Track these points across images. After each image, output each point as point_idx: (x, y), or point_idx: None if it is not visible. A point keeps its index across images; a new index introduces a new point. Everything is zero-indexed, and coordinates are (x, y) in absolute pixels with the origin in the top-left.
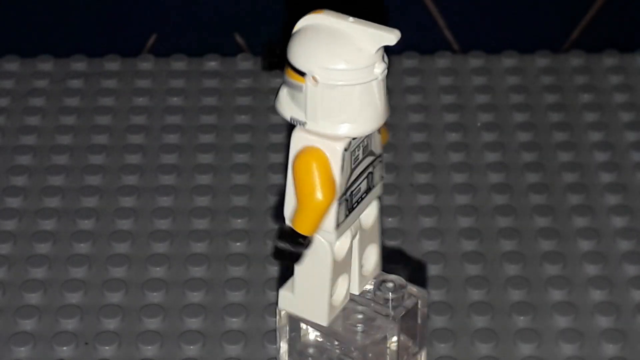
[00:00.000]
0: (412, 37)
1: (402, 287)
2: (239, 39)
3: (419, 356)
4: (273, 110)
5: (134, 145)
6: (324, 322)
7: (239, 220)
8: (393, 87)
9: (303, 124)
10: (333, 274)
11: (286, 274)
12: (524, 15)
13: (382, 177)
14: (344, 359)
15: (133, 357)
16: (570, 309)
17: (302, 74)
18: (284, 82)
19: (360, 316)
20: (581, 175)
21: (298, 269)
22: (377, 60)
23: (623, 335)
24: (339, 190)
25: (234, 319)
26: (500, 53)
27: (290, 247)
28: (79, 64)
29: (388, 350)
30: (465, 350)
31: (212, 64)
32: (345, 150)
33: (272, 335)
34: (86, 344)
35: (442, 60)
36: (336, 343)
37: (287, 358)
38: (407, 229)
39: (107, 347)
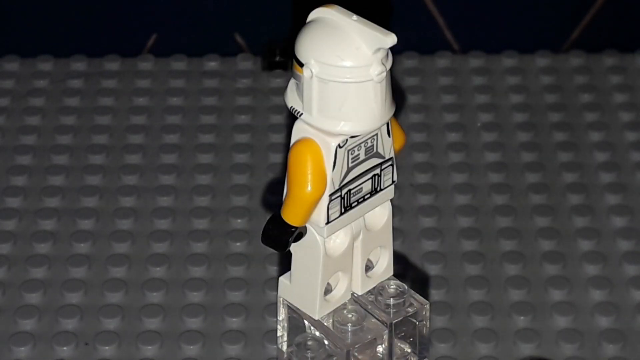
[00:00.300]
0: (412, 37)
1: (404, 293)
2: (239, 39)
3: None
4: (273, 110)
5: (134, 145)
6: (314, 315)
7: (239, 220)
8: (393, 87)
9: (300, 114)
10: (324, 269)
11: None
12: (524, 15)
13: (393, 182)
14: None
15: (133, 357)
16: (570, 309)
17: (301, 64)
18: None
19: (351, 316)
20: (581, 175)
21: (294, 259)
22: (375, 61)
23: (623, 335)
24: (330, 186)
25: (234, 319)
26: (500, 53)
27: (276, 234)
28: (79, 64)
29: (379, 355)
30: (465, 350)
31: (212, 64)
32: (340, 146)
33: (272, 335)
34: (86, 344)
35: (442, 60)
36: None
37: (285, 347)
38: (407, 229)
39: (107, 347)
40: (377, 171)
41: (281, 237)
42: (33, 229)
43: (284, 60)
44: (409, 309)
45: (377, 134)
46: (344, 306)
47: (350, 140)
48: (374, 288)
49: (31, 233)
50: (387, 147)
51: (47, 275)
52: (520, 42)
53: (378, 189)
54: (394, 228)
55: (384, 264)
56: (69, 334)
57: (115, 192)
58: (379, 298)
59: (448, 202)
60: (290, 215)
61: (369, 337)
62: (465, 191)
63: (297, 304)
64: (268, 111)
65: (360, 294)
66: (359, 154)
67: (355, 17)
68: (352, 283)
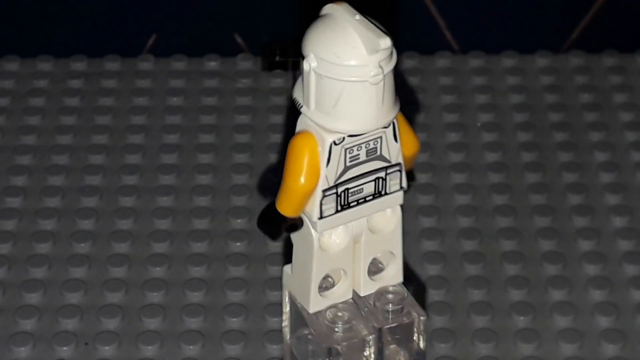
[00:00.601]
0: (412, 37)
1: (402, 300)
2: (239, 39)
3: None
4: (273, 110)
5: (134, 145)
6: (308, 309)
7: (239, 220)
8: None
9: (300, 107)
10: (317, 264)
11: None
12: (524, 15)
13: (402, 188)
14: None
15: (133, 357)
16: (570, 309)
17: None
18: None
19: (342, 314)
20: (581, 175)
21: (295, 250)
22: (371, 63)
23: (623, 335)
24: (323, 182)
25: (234, 319)
26: (500, 53)
27: (269, 221)
28: (79, 64)
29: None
30: (465, 350)
31: (212, 64)
32: (335, 143)
33: (272, 335)
34: (86, 344)
35: (442, 60)
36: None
37: (288, 337)
38: (407, 229)
39: (107, 347)
40: (381, 174)
41: (273, 225)
42: (33, 229)
43: (284, 60)
44: (404, 318)
45: (381, 137)
46: (341, 304)
47: (348, 139)
48: (377, 291)
49: (31, 233)
50: (394, 152)
51: (47, 275)
52: (520, 42)
53: (383, 192)
54: None
55: (393, 269)
56: (69, 334)
57: (115, 192)
58: (377, 303)
59: (448, 202)
60: (282, 205)
61: (356, 338)
62: (465, 191)
63: (296, 294)
64: (268, 111)
65: (362, 295)
66: (358, 155)
67: (358, 16)
68: (355, 283)
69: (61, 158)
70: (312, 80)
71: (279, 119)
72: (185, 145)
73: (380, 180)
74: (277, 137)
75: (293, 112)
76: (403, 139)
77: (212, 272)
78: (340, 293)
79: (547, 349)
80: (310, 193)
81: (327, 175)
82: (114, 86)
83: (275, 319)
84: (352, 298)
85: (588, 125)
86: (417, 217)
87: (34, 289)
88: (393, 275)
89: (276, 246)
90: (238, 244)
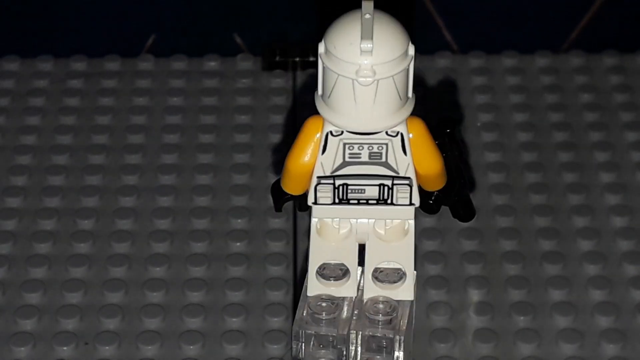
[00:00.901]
0: (411, 37)
1: (389, 314)
2: (238, 39)
3: None
4: (273, 110)
5: (134, 145)
6: (307, 290)
7: (239, 220)
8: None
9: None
10: (314, 249)
11: (284, 276)
12: (524, 15)
13: (412, 204)
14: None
15: (133, 357)
16: (570, 309)
17: None
18: None
19: (330, 307)
20: (581, 175)
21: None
22: (362, 64)
23: (623, 335)
24: (319, 168)
25: (234, 319)
26: (500, 53)
27: (273, 192)
28: (79, 64)
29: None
30: (466, 350)
31: (212, 64)
32: (332, 134)
33: (272, 335)
34: (86, 344)
35: (442, 60)
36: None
37: (303, 313)
38: None
39: (107, 347)
40: (387, 183)
41: (274, 196)
42: (33, 229)
43: (284, 60)
44: (384, 330)
45: (386, 144)
46: (338, 299)
47: (347, 135)
48: (372, 298)
49: (31, 233)
50: (402, 164)
51: (47, 275)
52: (520, 42)
53: (388, 201)
54: None
55: (403, 286)
56: (69, 334)
57: (115, 192)
58: (366, 307)
59: None
60: (282, 179)
61: (329, 333)
62: None
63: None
64: (268, 111)
65: (367, 297)
66: (360, 154)
67: (367, 15)
68: (361, 283)
69: (61, 158)
70: (320, 65)
71: (279, 119)
72: (185, 145)
73: (386, 187)
74: (277, 137)
75: (293, 112)
76: (418, 156)
77: (212, 272)
78: (343, 286)
79: (547, 349)
80: (304, 174)
81: (323, 163)
82: (114, 86)
83: (275, 319)
84: (355, 298)
85: (588, 125)
86: (417, 217)
87: (34, 289)
88: (402, 291)
89: (276, 246)
90: (238, 244)
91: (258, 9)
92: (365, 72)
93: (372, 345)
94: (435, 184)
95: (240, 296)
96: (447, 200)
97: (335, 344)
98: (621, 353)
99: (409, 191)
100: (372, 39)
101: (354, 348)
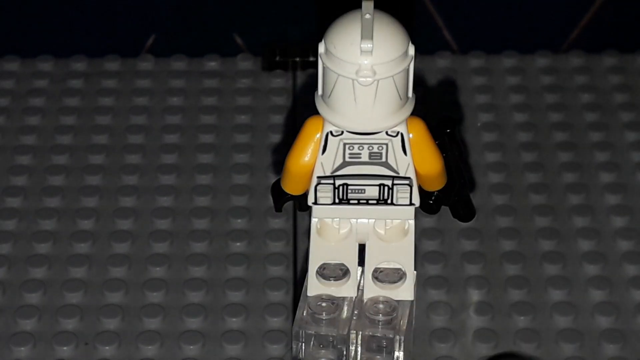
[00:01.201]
0: (411, 37)
1: (389, 314)
2: (238, 39)
3: None
4: (273, 110)
5: (134, 145)
6: (307, 290)
7: (239, 220)
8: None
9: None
10: (314, 249)
11: (284, 276)
12: (524, 15)
13: (412, 204)
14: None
15: (133, 357)
16: (570, 309)
17: None
18: None
19: (330, 307)
20: (581, 175)
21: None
22: (362, 63)
23: (623, 335)
24: (319, 168)
25: (234, 319)
26: (500, 53)
27: (273, 191)
28: (79, 64)
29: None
30: (466, 350)
31: (212, 64)
32: (332, 134)
33: (272, 335)
34: (86, 344)
35: (442, 60)
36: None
37: (303, 313)
38: None
39: (107, 347)
40: (387, 183)
41: (274, 196)
42: (33, 229)
43: (284, 60)
44: (384, 330)
45: (386, 144)
46: (338, 299)
47: (347, 135)
48: (372, 298)
49: (31, 233)
50: (402, 164)
51: (47, 275)
52: (520, 42)
53: (388, 201)
54: None
55: (403, 286)
56: (69, 334)
57: (115, 192)
58: (366, 306)
59: None
60: (282, 179)
61: (329, 333)
62: None
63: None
64: (268, 111)
65: (367, 297)
66: (360, 154)
67: (368, 15)
68: (361, 283)
69: (61, 158)
70: (320, 65)
71: (279, 119)
72: (185, 145)
73: (386, 188)
74: (277, 137)
75: (293, 112)
76: (418, 156)
77: (212, 272)
78: (343, 286)
79: (547, 349)
80: (303, 175)
81: (323, 163)
82: (114, 86)
83: (275, 319)
84: (355, 298)
85: (588, 125)
86: (417, 217)
87: (34, 289)
88: (403, 291)
89: (276, 246)
90: (238, 244)
91: (258, 9)
92: (365, 72)
93: (372, 345)
94: (435, 184)
95: (240, 296)
96: (447, 200)
97: (335, 344)
98: (621, 353)
99: (409, 191)
100: (372, 39)
101: (354, 348)
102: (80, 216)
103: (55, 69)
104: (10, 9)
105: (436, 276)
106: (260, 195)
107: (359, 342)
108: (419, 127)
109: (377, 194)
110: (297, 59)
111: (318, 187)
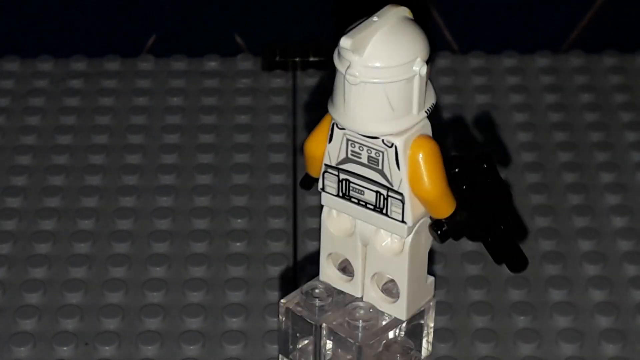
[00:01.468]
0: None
1: (369, 321)
2: (238, 39)
3: None
4: (273, 110)
5: (134, 145)
6: (320, 275)
7: (239, 220)
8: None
9: None
10: (323, 237)
11: (284, 276)
12: (524, 15)
13: (404, 221)
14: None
15: (133, 357)
16: (570, 309)
17: None
18: None
19: (324, 296)
20: (581, 175)
21: None
22: (351, 60)
23: (623, 335)
24: (326, 156)
25: (234, 319)
26: (500, 53)
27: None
28: (79, 64)
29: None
30: (465, 350)
31: (212, 64)
32: (337, 126)
33: (272, 335)
34: (86, 344)
35: (442, 60)
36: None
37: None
38: None
39: (107, 347)
40: (382, 192)
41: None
42: (33, 229)
43: (284, 60)
44: (355, 332)
45: (382, 152)
46: (336, 295)
47: (348, 130)
48: (365, 304)
49: (31, 233)
50: (396, 178)
51: (47, 275)
52: (520, 42)
53: (383, 211)
54: None
55: (397, 303)
56: (69, 334)
57: (115, 192)
58: (352, 310)
59: None
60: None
61: (305, 317)
62: None
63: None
64: (268, 111)
65: (365, 299)
66: (360, 154)
67: (375, 17)
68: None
69: (61, 158)
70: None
71: (279, 119)
72: (185, 145)
73: (382, 196)
74: (277, 137)
75: (293, 112)
76: (413, 175)
77: (212, 272)
78: (348, 282)
79: (547, 349)
80: (315, 157)
81: (330, 152)
82: (114, 86)
83: (275, 319)
84: (355, 297)
85: (588, 125)
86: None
87: (34, 289)
88: (396, 308)
89: (276, 246)
90: (238, 244)
91: (258, 9)
92: (352, 71)
93: (343, 343)
94: (433, 211)
95: (240, 296)
96: (457, 236)
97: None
98: (621, 353)
99: (401, 207)
100: (354, 38)
101: (324, 340)
102: (80, 216)
103: (55, 69)
104: (10, 9)
105: (436, 276)
106: (260, 195)
107: (327, 334)
108: (422, 147)
109: (374, 200)
110: (297, 59)
111: (325, 175)
